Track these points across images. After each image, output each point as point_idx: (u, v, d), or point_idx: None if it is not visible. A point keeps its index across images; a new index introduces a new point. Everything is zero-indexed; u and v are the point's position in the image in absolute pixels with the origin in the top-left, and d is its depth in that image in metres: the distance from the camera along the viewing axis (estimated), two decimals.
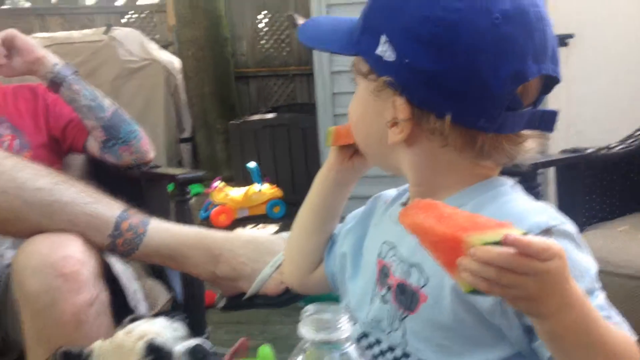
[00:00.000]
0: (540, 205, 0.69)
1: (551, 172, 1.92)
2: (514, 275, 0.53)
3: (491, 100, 0.65)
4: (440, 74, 0.64)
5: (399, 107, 0.67)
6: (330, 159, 0.86)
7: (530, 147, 0.70)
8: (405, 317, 0.71)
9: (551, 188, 1.92)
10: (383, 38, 0.67)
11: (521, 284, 0.54)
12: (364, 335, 0.76)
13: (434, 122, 0.66)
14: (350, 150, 0.84)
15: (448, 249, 0.56)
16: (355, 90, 0.77)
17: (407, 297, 0.71)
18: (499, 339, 0.66)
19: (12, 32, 1.51)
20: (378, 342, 0.75)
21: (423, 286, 0.69)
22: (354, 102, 0.77)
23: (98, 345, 0.85)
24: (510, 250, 0.53)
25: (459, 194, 0.71)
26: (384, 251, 0.76)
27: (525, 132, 0.69)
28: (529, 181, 1.45)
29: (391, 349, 0.73)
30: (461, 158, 0.69)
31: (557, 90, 0.70)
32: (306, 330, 0.62)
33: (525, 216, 0.65)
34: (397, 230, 0.74)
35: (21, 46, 1.49)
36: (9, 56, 1.48)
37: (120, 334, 0.85)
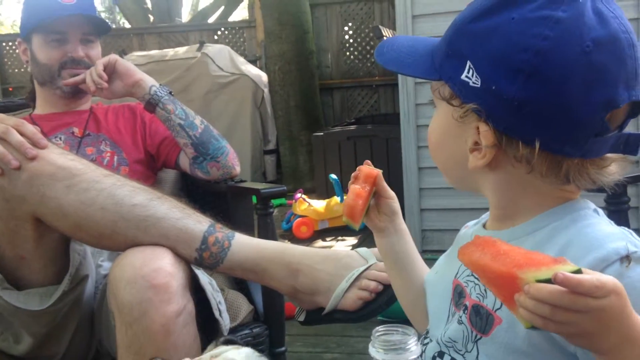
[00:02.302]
0: (621, 230, 0.67)
1: None
2: (567, 313, 0.53)
3: (580, 127, 0.64)
4: (529, 101, 0.64)
5: (483, 133, 0.68)
6: (372, 230, 0.90)
7: (614, 170, 0.68)
8: (479, 339, 0.71)
9: None
10: (468, 64, 0.67)
11: (575, 321, 0.53)
12: (441, 354, 0.77)
13: (522, 149, 0.66)
14: (372, 212, 0.88)
15: (505, 286, 0.56)
16: (435, 112, 0.77)
17: (481, 319, 0.71)
18: None
19: (113, 57, 1.60)
20: None
21: (498, 309, 0.69)
22: (433, 124, 0.78)
23: None
24: (561, 288, 0.52)
25: (539, 216, 0.70)
26: (461, 271, 0.77)
27: (610, 155, 0.68)
28: (618, 197, 1.39)
29: None
30: (545, 183, 0.68)
31: None
32: (375, 350, 0.64)
33: (604, 241, 0.64)
34: None
35: (121, 71, 1.59)
36: (109, 80, 1.58)
37: (206, 357, 0.87)
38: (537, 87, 0.63)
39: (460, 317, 0.74)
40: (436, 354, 0.77)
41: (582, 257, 0.63)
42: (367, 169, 0.88)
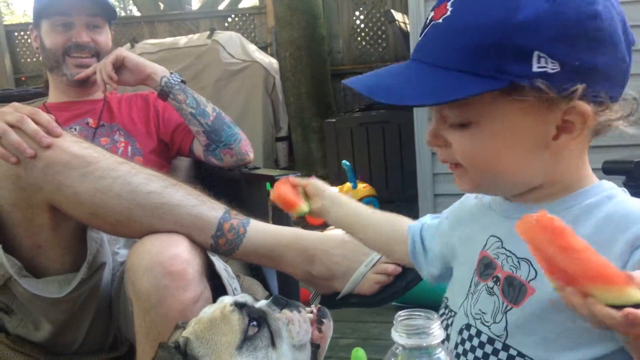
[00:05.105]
0: None
1: None
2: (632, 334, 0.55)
3: (625, 80, 0.70)
4: (608, 65, 0.67)
5: (580, 110, 0.67)
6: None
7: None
8: (509, 310, 0.72)
9: None
10: (536, 55, 0.65)
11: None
12: (468, 326, 0.78)
13: (616, 112, 0.69)
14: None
15: (563, 279, 0.56)
16: (481, 126, 0.70)
17: (514, 290, 0.72)
18: (606, 334, 0.65)
19: (120, 53, 1.60)
20: (479, 333, 0.76)
21: (532, 279, 0.70)
22: (486, 142, 0.71)
23: (189, 332, 0.88)
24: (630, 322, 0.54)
25: (576, 194, 0.72)
26: (490, 243, 0.77)
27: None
28: (636, 179, 1.39)
29: (491, 340, 0.74)
30: (584, 150, 0.72)
31: None
32: (398, 335, 0.64)
33: None
34: (506, 225, 0.75)
35: (131, 68, 1.60)
36: (119, 73, 1.59)
37: (202, 313, 0.90)
38: (610, 48, 0.67)
39: (492, 288, 0.75)
40: (463, 327, 0.78)
41: (625, 230, 0.65)
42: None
